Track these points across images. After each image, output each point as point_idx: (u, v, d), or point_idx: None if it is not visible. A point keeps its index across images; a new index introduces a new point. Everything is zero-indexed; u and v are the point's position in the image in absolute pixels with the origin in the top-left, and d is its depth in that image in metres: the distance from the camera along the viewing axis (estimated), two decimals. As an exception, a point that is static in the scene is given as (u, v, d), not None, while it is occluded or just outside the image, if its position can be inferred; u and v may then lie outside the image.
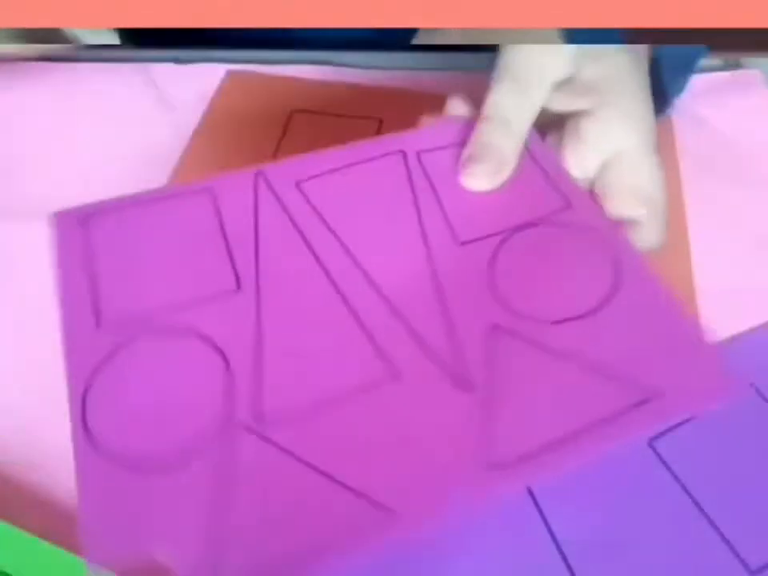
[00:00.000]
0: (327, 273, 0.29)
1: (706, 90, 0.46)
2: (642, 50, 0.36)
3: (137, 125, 0.46)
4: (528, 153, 0.32)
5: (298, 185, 0.32)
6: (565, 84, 0.33)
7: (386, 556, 0.26)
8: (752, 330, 0.33)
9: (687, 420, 0.30)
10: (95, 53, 0.51)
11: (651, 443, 0.29)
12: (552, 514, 0.27)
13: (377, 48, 0.50)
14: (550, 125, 0.33)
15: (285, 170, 0.32)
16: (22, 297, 0.36)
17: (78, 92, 0.48)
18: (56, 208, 0.30)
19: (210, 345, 0.26)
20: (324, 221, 0.30)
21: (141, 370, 0.26)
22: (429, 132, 0.34)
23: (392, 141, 0.34)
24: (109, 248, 0.29)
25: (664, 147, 0.42)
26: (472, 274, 0.28)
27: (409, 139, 0.34)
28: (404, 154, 0.33)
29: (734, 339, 0.33)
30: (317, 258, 0.29)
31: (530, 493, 0.28)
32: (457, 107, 0.34)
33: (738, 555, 0.26)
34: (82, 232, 0.30)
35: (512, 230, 0.30)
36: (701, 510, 0.27)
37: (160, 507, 0.22)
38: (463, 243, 0.30)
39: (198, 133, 0.45)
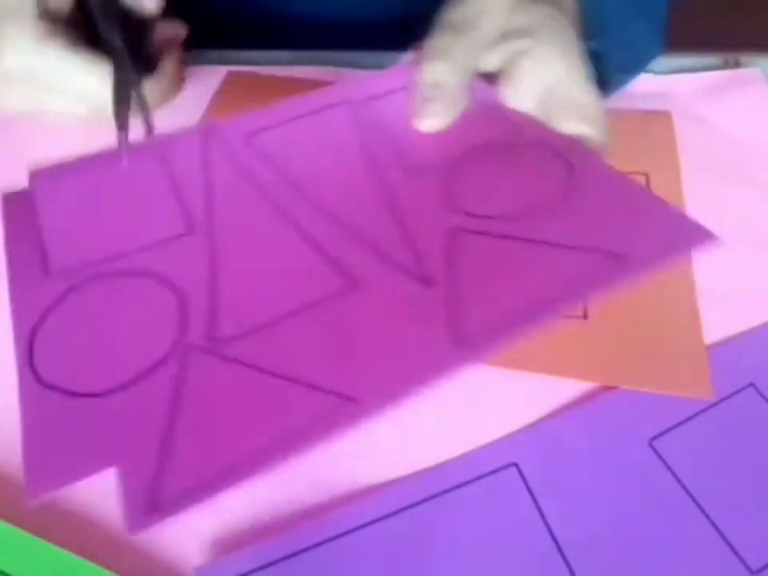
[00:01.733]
0: (279, 209, 0.30)
1: (707, 89, 0.46)
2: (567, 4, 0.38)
3: (135, 125, 0.46)
4: (473, 94, 0.34)
5: (247, 137, 0.33)
6: (502, 36, 0.35)
7: (386, 556, 0.26)
8: (752, 330, 0.33)
9: (687, 419, 0.30)
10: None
11: (651, 443, 0.29)
12: (552, 514, 0.27)
13: (375, 44, 0.50)
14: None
15: (233, 124, 0.34)
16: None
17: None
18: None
19: (162, 281, 0.28)
20: (274, 167, 0.32)
21: (92, 308, 0.27)
22: (375, 79, 0.36)
23: (338, 91, 0.36)
24: (58, 204, 0.31)
25: (664, 146, 0.42)
26: (427, 194, 0.30)
27: (356, 87, 0.36)
28: (352, 102, 0.35)
29: (734, 339, 0.33)
30: (268, 199, 0.31)
31: (530, 493, 0.28)
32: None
33: (738, 555, 0.26)
34: (29, 193, 0.31)
35: (463, 154, 0.32)
36: (701, 509, 0.27)
37: (107, 428, 0.23)
38: (413, 172, 0.32)
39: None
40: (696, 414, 0.30)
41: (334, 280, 0.27)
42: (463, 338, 0.24)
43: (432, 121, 0.32)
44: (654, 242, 0.27)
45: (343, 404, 0.23)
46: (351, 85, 0.36)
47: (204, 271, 0.28)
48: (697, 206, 0.39)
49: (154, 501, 0.22)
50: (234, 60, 0.50)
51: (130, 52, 0.34)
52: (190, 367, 0.25)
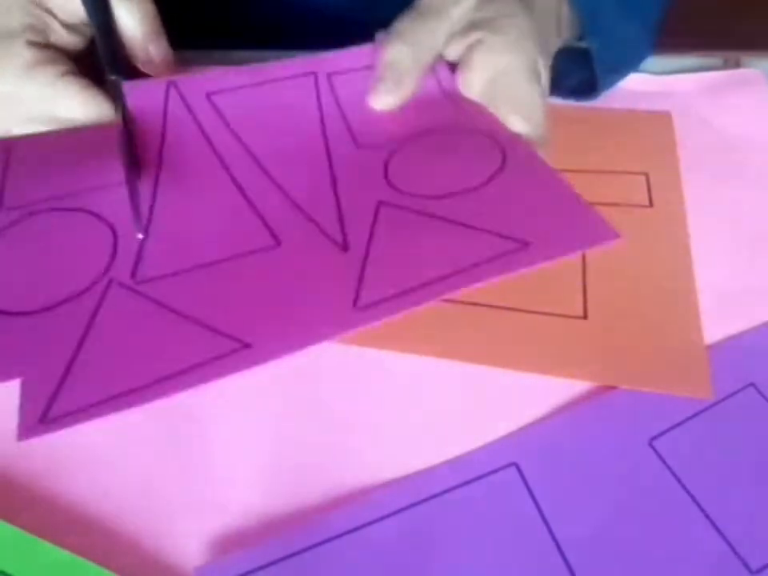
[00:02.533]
0: (225, 165, 0.32)
1: (707, 90, 0.46)
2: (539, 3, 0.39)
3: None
4: (434, 77, 0.36)
5: (208, 96, 0.35)
6: (469, 24, 0.36)
7: (386, 556, 0.26)
8: (751, 330, 0.33)
9: (687, 419, 0.30)
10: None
11: (651, 442, 0.29)
12: (552, 513, 0.27)
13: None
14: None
15: (197, 81, 0.35)
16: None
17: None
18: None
19: (101, 219, 0.30)
20: (229, 127, 0.34)
21: (31, 238, 0.30)
22: (341, 55, 0.37)
23: (304, 63, 0.37)
24: (20, 157, 0.33)
25: (664, 146, 0.42)
26: (367, 169, 0.32)
27: (321, 62, 0.37)
28: (315, 75, 0.36)
29: (734, 339, 0.33)
30: (217, 154, 0.33)
31: (530, 492, 0.28)
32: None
33: (738, 555, 0.26)
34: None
35: (409, 135, 0.34)
36: (701, 509, 0.27)
37: (22, 343, 0.26)
38: (361, 146, 0.33)
39: None
40: (696, 414, 0.30)
41: (261, 237, 0.29)
42: (364, 302, 0.26)
43: (384, 99, 0.35)
44: (559, 234, 0.28)
45: (239, 349, 0.25)
46: (317, 59, 0.37)
47: (144, 216, 0.30)
48: (697, 205, 0.39)
49: (47, 413, 0.24)
50: (234, 60, 0.50)
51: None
52: (107, 300, 0.27)
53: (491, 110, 0.35)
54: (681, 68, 0.49)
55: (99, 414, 0.24)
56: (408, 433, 0.30)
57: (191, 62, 0.49)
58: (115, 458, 0.29)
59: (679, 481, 0.28)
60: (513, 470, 0.28)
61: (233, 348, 0.25)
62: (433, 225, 0.29)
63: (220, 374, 0.25)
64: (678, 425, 0.30)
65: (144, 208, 0.30)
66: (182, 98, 0.34)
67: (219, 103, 0.35)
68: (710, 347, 0.32)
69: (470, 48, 0.35)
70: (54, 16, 0.35)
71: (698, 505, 0.27)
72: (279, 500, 0.28)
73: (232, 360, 0.25)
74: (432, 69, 0.36)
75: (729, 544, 0.26)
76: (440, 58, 0.37)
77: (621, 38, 0.43)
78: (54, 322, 0.27)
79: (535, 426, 0.30)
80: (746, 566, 0.26)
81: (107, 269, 0.28)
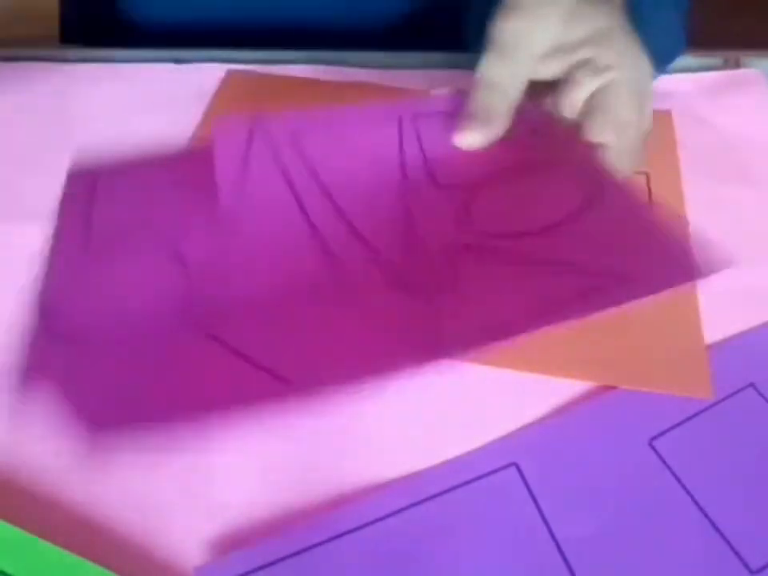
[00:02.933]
0: (303, 209, 0.32)
1: (706, 89, 0.46)
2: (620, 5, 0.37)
3: (136, 124, 0.46)
4: (520, 117, 0.35)
5: (293, 135, 0.35)
6: (556, 50, 0.34)
7: (385, 556, 0.26)
8: (751, 330, 0.33)
9: (687, 419, 0.30)
10: (94, 53, 0.51)
11: (651, 442, 0.29)
12: (552, 514, 0.27)
13: (375, 44, 0.50)
14: (544, 92, 0.36)
15: (284, 120, 0.35)
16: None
17: (78, 93, 0.48)
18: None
19: (177, 258, 0.30)
20: (311, 167, 0.34)
21: (113, 277, 0.30)
22: (427, 99, 0.38)
23: (391, 108, 0.37)
24: (109, 196, 0.34)
25: (664, 146, 0.42)
26: (446, 210, 0.32)
27: (407, 105, 0.37)
28: (400, 119, 0.36)
29: (734, 339, 0.33)
30: (295, 196, 0.32)
31: (530, 493, 0.28)
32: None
33: (738, 555, 0.26)
34: (88, 184, 0.35)
35: (490, 173, 0.33)
36: (701, 509, 0.27)
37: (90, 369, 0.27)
38: (441, 186, 0.33)
39: (198, 132, 0.45)
40: (696, 414, 0.30)
41: (327, 277, 0.29)
42: (432, 350, 0.26)
43: (470, 137, 0.34)
44: (655, 272, 0.28)
45: (277, 384, 0.26)
46: (404, 103, 0.37)
47: (217, 253, 0.30)
48: (696, 205, 0.39)
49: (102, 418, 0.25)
50: (233, 60, 0.50)
51: None
52: (181, 345, 0.27)
53: (587, 125, 0.33)
54: (681, 68, 0.48)
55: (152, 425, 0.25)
56: (407, 432, 0.30)
57: (192, 61, 0.50)
58: (114, 458, 0.29)
59: (679, 481, 0.28)
60: (513, 470, 0.28)
61: (270, 383, 0.26)
62: (509, 268, 0.29)
63: (256, 410, 0.25)
64: (678, 425, 0.30)
65: (220, 244, 0.31)
66: (268, 135, 0.35)
67: (303, 144, 0.35)
68: (709, 347, 0.32)
69: (573, 72, 0.34)
70: None
71: (698, 505, 0.27)
72: (278, 500, 0.28)
73: (271, 396, 0.25)
74: (518, 109, 0.35)
75: (729, 544, 0.26)
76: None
77: (661, 28, 0.42)
78: (116, 353, 0.27)
79: (535, 426, 0.30)
80: (746, 565, 0.26)
81: (177, 306, 0.29)
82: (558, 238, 0.30)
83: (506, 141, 0.34)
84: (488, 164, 0.34)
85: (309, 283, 0.29)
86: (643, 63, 0.36)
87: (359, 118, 0.36)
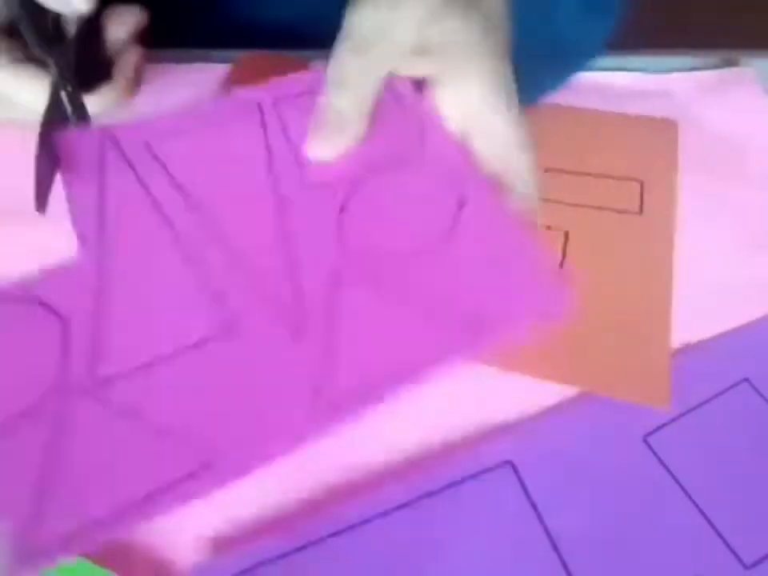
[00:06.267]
0: (172, 231, 0.29)
1: (701, 88, 0.46)
2: (497, 11, 0.34)
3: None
4: (390, 94, 0.32)
5: (147, 144, 0.31)
6: (416, 48, 0.31)
7: (381, 553, 0.26)
8: (746, 326, 0.33)
9: (681, 415, 0.30)
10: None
11: (646, 438, 0.29)
12: (546, 509, 0.27)
13: None
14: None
15: (132, 129, 0.32)
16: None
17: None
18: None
19: (48, 309, 0.26)
20: (173, 179, 0.30)
21: None
22: (287, 81, 0.34)
23: (248, 95, 0.34)
24: None
25: (665, 155, 0.42)
26: (320, 217, 0.29)
27: (265, 90, 0.34)
28: (260, 107, 0.33)
29: (729, 335, 0.33)
30: (163, 218, 0.29)
31: (525, 490, 0.28)
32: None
33: (732, 550, 0.26)
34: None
35: (363, 173, 0.30)
36: (695, 505, 0.27)
37: None
38: (313, 187, 0.30)
39: None
40: (690, 410, 0.30)
41: (213, 320, 0.26)
42: (323, 401, 0.24)
43: (320, 149, 0.30)
44: (513, 306, 0.27)
45: (201, 470, 0.23)
46: (261, 88, 0.34)
47: (89, 300, 0.27)
48: (692, 203, 0.39)
49: (27, 550, 0.21)
50: (233, 59, 0.50)
51: (74, 58, 0.32)
52: (68, 408, 0.24)
53: (467, 145, 0.31)
54: (680, 68, 0.48)
55: (78, 547, 0.22)
56: (403, 431, 0.30)
57: (191, 61, 0.50)
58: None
59: (674, 477, 0.28)
60: (508, 467, 0.28)
61: (193, 469, 0.23)
62: (389, 301, 0.27)
63: (184, 498, 0.23)
64: (673, 421, 0.30)
65: (89, 293, 0.27)
66: (120, 150, 0.31)
67: (161, 152, 0.31)
68: (704, 343, 0.32)
69: (431, 83, 0.32)
70: None
71: (693, 500, 0.27)
72: (276, 499, 0.28)
73: (196, 483, 0.23)
74: (390, 87, 0.32)
75: (723, 539, 0.26)
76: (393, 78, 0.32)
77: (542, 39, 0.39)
78: (7, 445, 0.23)
79: (530, 423, 0.30)
80: (740, 560, 0.26)
81: (63, 372, 0.25)
82: (426, 265, 0.28)
83: (380, 129, 0.31)
84: (363, 157, 0.31)
85: (195, 327, 0.26)
86: (505, 66, 0.33)
87: (216, 112, 0.33)
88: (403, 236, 0.29)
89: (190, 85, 0.48)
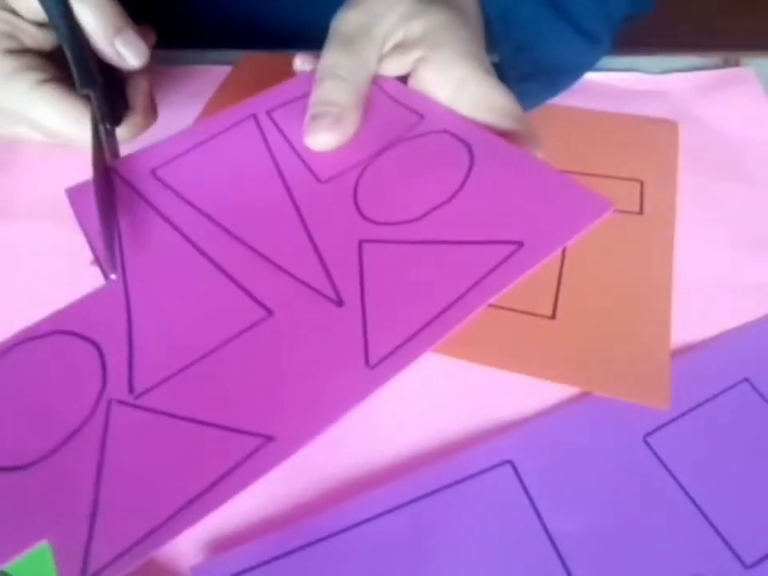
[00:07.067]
0: (192, 243, 0.29)
1: (701, 88, 0.46)
2: (472, 10, 0.37)
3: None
4: (380, 90, 0.34)
5: (153, 172, 0.32)
6: (400, 42, 0.34)
7: (381, 553, 0.26)
8: (746, 326, 0.33)
9: (681, 415, 0.30)
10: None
11: (646, 438, 0.29)
12: (546, 509, 0.27)
13: None
14: None
15: (136, 160, 0.33)
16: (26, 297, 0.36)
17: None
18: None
19: (83, 338, 0.27)
20: (184, 198, 0.31)
21: (13, 376, 0.26)
22: (276, 91, 0.35)
23: (241, 108, 0.35)
24: None
25: (665, 156, 0.42)
26: (337, 205, 0.30)
27: (257, 102, 0.35)
28: (255, 117, 0.34)
29: (729, 334, 0.33)
30: (180, 233, 0.30)
31: (525, 490, 0.28)
32: (304, 64, 0.36)
33: (732, 550, 0.26)
34: None
35: (370, 157, 0.32)
36: (695, 505, 0.27)
37: (33, 501, 0.23)
38: (324, 181, 0.31)
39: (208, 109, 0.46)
40: (690, 410, 0.30)
41: (250, 312, 0.27)
42: (375, 359, 0.24)
43: (323, 139, 0.31)
44: (550, 223, 0.27)
45: (263, 444, 0.23)
46: (253, 100, 0.35)
47: (121, 321, 0.27)
48: (690, 202, 0.39)
49: (86, 569, 0.21)
50: (233, 60, 0.50)
51: (106, 98, 0.33)
52: (111, 424, 0.24)
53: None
54: (681, 68, 0.49)
55: (143, 555, 0.21)
56: (403, 431, 0.30)
57: (191, 61, 0.50)
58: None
59: (674, 477, 0.28)
60: (508, 467, 0.28)
61: (257, 445, 0.23)
62: (421, 252, 0.27)
63: (252, 477, 0.22)
64: (673, 420, 0.30)
65: (121, 316, 0.27)
66: (127, 183, 0.32)
67: (167, 176, 0.32)
68: (704, 343, 0.32)
69: (416, 68, 0.34)
70: (22, 17, 0.34)
71: (692, 500, 0.27)
72: (274, 499, 0.28)
73: (260, 459, 0.23)
74: (376, 84, 0.34)
75: (723, 539, 0.26)
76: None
77: (542, 44, 0.40)
78: (58, 469, 0.23)
79: (530, 423, 0.30)
80: (740, 560, 0.26)
81: (101, 391, 0.25)
82: (451, 213, 0.28)
83: (374, 120, 0.33)
84: (363, 145, 0.32)
85: (232, 323, 0.27)
86: (483, 52, 0.35)
87: (213, 129, 0.34)
88: (422, 193, 0.30)
89: (190, 86, 0.48)
